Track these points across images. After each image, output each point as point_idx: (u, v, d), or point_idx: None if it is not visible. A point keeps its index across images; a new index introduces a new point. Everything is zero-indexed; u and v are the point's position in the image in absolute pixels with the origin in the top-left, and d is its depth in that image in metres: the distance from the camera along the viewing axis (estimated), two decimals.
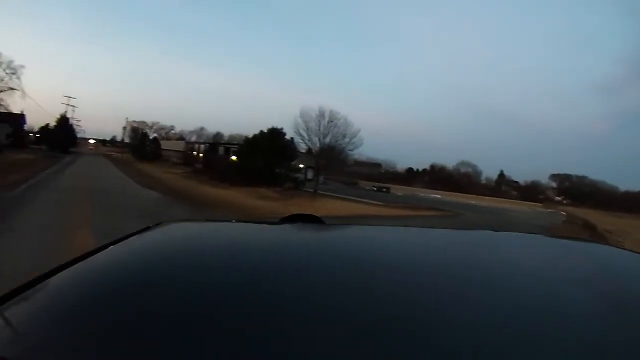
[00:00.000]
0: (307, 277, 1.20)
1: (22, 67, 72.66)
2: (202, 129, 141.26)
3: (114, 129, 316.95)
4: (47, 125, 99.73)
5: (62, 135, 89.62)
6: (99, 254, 1.37)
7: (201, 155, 78.29)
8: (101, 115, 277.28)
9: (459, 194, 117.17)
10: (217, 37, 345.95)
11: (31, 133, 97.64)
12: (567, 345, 0.92)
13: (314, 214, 2.11)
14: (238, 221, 2.31)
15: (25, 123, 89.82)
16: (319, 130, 48.12)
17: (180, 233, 1.81)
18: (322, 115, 48.19)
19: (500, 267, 1.52)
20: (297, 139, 49.26)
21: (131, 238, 1.56)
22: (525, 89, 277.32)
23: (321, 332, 0.89)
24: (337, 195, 45.36)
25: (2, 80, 71.67)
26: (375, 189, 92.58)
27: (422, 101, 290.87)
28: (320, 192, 44.49)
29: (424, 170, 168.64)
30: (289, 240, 1.72)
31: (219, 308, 0.98)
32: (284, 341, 0.84)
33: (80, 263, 1.27)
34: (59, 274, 1.19)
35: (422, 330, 0.94)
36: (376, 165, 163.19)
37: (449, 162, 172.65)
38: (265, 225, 2.16)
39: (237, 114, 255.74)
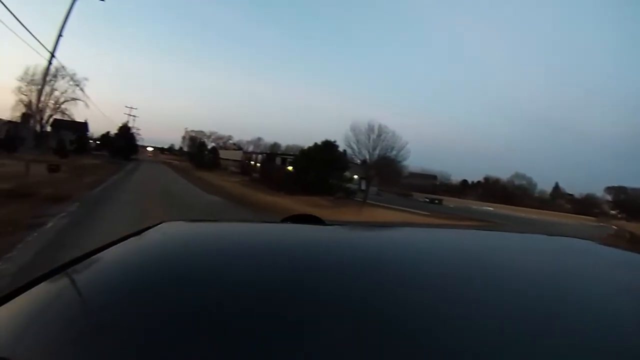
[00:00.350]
0: (307, 276, 1.22)
1: (85, 79, 77.26)
2: (259, 139, 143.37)
3: (172, 137, 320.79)
4: (108, 132, 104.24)
5: (124, 142, 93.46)
6: (99, 254, 1.38)
7: (258, 164, 79.97)
8: (159, 123, 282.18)
9: (512, 206, 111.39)
10: (274, 48, 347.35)
11: (91, 139, 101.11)
12: (568, 345, 0.92)
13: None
14: (238, 221, 2.38)
15: (87, 130, 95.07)
16: (369, 142, 50.19)
17: (180, 233, 1.82)
18: (371, 129, 50.37)
19: (499, 266, 1.53)
20: (349, 151, 51.94)
21: (131, 238, 1.58)
22: (582, 99, 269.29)
23: (322, 331, 0.89)
24: (385, 205, 46.40)
25: (66, 92, 76.44)
26: (428, 200, 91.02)
27: (478, 112, 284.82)
28: (370, 202, 45.66)
29: (478, 182, 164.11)
30: (289, 240, 1.70)
31: (219, 308, 0.98)
32: (285, 341, 0.84)
33: (80, 263, 1.30)
34: (59, 274, 1.21)
35: (423, 330, 0.94)
36: (431, 177, 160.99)
37: (504, 173, 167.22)
38: (265, 225, 2.11)
39: (293, 125, 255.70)
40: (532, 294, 1.19)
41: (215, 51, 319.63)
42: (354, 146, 51.54)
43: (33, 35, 25.94)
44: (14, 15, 23.73)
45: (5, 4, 22.00)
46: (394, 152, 51.98)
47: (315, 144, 49.28)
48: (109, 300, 1.01)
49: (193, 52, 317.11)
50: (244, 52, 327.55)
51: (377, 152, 50.60)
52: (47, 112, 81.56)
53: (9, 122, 78.38)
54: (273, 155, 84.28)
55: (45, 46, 26.47)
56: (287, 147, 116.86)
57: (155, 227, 1.72)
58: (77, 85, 74.03)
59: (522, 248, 1.95)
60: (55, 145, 63.31)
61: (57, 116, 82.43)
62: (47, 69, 28.53)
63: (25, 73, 76.09)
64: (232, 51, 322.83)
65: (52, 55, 26.13)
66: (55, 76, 75.14)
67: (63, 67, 60.73)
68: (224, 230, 1.91)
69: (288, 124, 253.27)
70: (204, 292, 1.05)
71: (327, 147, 47.92)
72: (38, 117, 79.30)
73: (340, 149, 50.60)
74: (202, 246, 1.54)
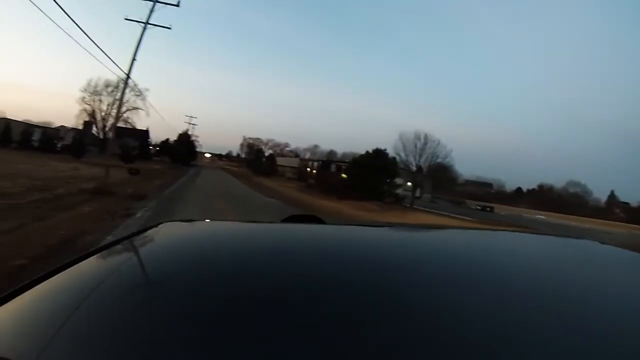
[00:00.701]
0: (307, 276, 1.21)
1: (147, 89, 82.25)
2: (315, 146, 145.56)
3: (229, 144, 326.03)
4: (167, 139, 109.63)
5: (184, 149, 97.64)
6: (99, 254, 1.38)
7: (314, 171, 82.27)
8: (217, 130, 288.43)
9: (565, 215, 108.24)
10: (330, 58, 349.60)
11: (151, 146, 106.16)
12: (568, 344, 0.90)
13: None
14: (238, 221, 2.38)
15: (149, 138, 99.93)
16: (415, 151, 53.33)
17: (180, 233, 1.81)
18: (417, 137, 53.28)
19: (498, 265, 1.51)
20: (398, 159, 54.85)
21: (131, 238, 1.58)
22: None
23: (322, 331, 0.88)
24: (431, 210, 48.32)
25: (128, 101, 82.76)
26: (480, 207, 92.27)
27: (533, 119, 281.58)
28: (416, 207, 48.00)
29: (533, 189, 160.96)
30: (289, 240, 1.69)
31: (219, 307, 0.97)
32: (284, 340, 0.83)
33: (80, 263, 1.29)
34: (59, 274, 1.19)
35: (422, 329, 0.92)
36: (487, 185, 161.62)
37: (560, 181, 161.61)
38: (265, 225, 2.04)
39: (350, 132, 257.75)
40: (530, 294, 1.20)
41: (272, 60, 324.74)
42: (402, 154, 55.05)
43: (113, 61, 28.50)
44: (96, 44, 26.26)
45: (84, 31, 24.58)
46: (439, 160, 56.05)
47: (367, 152, 51.53)
48: (109, 300, 1.03)
49: (250, 61, 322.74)
50: (300, 62, 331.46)
51: (423, 159, 54.57)
52: (110, 121, 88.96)
53: (73, 129, 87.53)
54: (328, 162, 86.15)
55: (123, 69, 29.20)
56: (344, 154, 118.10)
57: (155, 227, 1.75)
58: (139, 96, 78.45)
59: (522, 248, 1.93)
60: (120, 152, 67.06)
61: (120, 124, 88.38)
62: (124, 89, 31.13)
63: (88, 84, 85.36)
64: (288, 61, 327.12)
65: (128, 77, 28.71)
66: (117, 87, 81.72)
67: (131, 79, 64.89)
68: (224, 230, 1.92)
69: (345, 131, 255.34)
70: (204, 292, 1.07)
71: (378, 155, 50.09)
72: (106, 125, 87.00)
73: (393, 155, 53.03)
74: (202, 246, 1.55)
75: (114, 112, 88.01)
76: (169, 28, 30.82)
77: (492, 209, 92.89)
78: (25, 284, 1.10)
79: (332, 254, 1.47)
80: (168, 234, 1.76)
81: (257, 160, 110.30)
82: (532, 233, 2.59)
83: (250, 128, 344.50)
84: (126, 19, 29.72)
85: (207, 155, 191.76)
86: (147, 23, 28.99)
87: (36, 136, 75.40)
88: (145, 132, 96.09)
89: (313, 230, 1.89)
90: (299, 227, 2.03)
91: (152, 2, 28.67)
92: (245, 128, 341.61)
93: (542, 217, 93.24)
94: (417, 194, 59.85)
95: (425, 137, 53.75)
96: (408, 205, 48.41)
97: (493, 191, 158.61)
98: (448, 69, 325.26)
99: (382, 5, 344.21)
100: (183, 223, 1.95)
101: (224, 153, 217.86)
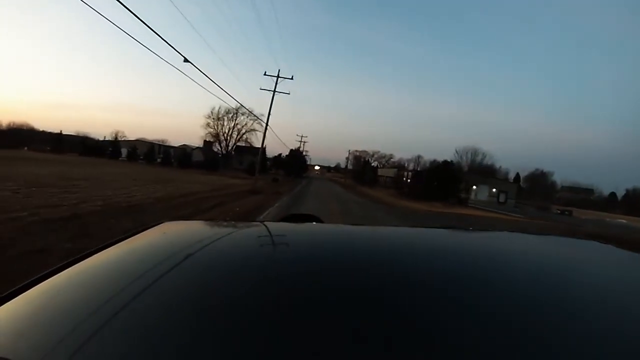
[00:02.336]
0: (305, 275, 1.21)
1: (262, 115, 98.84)
2: (419, 156, 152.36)
3: (337, 156, 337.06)
4: (280, 154, 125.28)
5: (297, 163, 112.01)
6: (99, 253, 1.38)
7: (409, 180, 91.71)
8: (325, 143, 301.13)
9: None
10: (437, 68, 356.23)
11: (267, 161, 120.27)
12: (565, 345, 0.89)
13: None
14: (237, 221, 2.32)
15: (265, 154, 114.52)
16: (466, 163, 66.91)
17: (180, 233, 1.81)
18: (469, 151, 67.11)
19: (495, 265, 1.49)
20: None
21: (131, 238, 1.58)
22: None
23: (319, 329, 0.88)
24: (486, 208, 57.59)
25: (246, 124, 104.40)
26: (559, 212, 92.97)
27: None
28: (472, 206, 58.36)
29: (625, 194, 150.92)
30: (287, 239, 1.70)
31: (219, 306, 0.98)
32: (282, 338, 0.84)
33: (80, 263, 1.29)
34: (59, 274, 1.20)
35: (419, 328, 0.92)
36: (586, 191, 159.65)
37: None
38: (264, 224, 2.08)
39: (453, 140, 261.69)
40: (527, 293, 1.20)
41: (379, 74, 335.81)
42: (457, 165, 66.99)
43: (256, 116, 41.61)
44: (238, 101, 40.41)
45: (235, 98, 38.36)
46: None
47: (438, 163, 63.06)
48: (109, 300, 1.02)
49: (358, 76, 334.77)
50: (406, 74, 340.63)
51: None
52: (231, 141, 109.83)
53: (197, 147, 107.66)
54: (419, 171, 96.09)
55: (262, 120, 41.82)
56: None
57: (155, 227, 1.79)
58: (257, 119, 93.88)
59: (520, 248, 1.92)
60: (246, 166, 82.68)
61: (240, 143, 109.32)
62: (264, 135, 45.42)
63: (211, 112, 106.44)
64: (395, 73, 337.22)
65: (267, 125, 42.57)
66: (236, 113, 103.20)
67: (246, 108, 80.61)
68: (223, 229, 1.96)
69: (448, 139, 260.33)
70: (204, 291, 1.08)
71: (445, 165, 61.25)
72: (228, 145, 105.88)
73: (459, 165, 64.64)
74: (202, 246, 1.54)
75: (234, 133, 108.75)
76: (287, 93, 47.60)
77: (570, 212, 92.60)
78: (25, 284, 1.13)
79: (330, 253, 1.50)
80: (168, 233, 1.79)
81: (360, 172, 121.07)
82: (531, 233, 2.56)
83: (357, 140, 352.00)
84: (261, 89, 43.19)
85: (316, 167, 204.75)
86: (274, 91, 42.31)
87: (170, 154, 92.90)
88: (263, 150, 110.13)
89: (312, 229, 1.97)
90: (296, 227, 2.05)
91: (275, 77, 42.49)
92: (352, 140, 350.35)
93: (623, 221, 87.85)
94: (502, 199, 72.03)
95: (475, 151, 66.75)
96: (466, 204, 58.25)
97: (592, 197, 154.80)
98: (560, 75, 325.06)
99: (489, 17, 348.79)
100: (183, 222, 2.04)
101: (332, 165, 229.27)
